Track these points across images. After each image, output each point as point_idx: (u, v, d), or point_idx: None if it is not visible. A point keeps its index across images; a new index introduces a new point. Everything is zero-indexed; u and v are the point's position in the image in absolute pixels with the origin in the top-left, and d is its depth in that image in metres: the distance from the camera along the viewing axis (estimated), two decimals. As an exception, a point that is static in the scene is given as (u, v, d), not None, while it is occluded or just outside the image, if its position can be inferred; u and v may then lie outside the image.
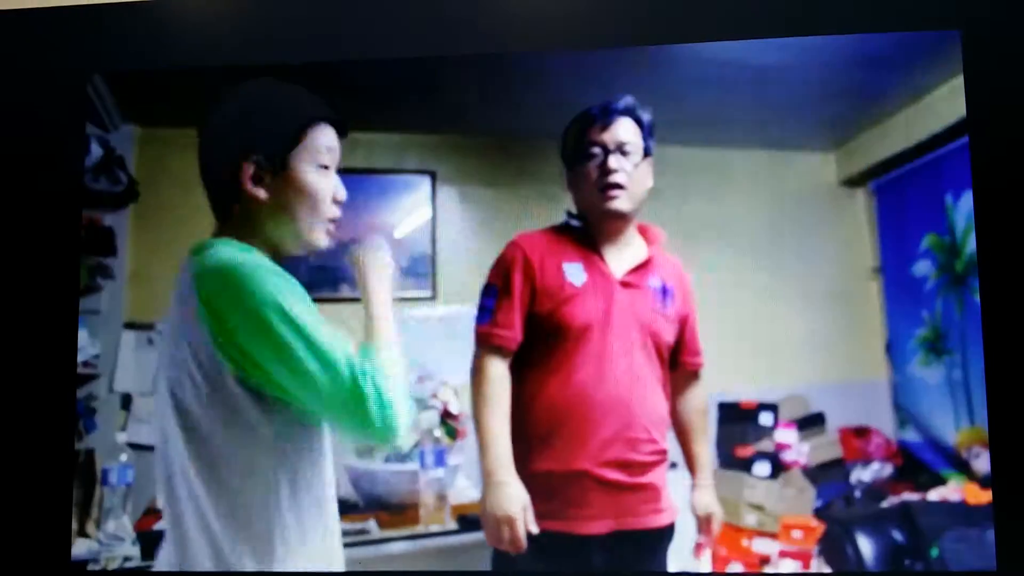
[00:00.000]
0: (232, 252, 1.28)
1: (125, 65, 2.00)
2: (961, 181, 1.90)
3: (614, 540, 1.69)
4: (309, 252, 1.38)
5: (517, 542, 1.63)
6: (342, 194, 1.40)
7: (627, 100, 1.77)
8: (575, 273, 1.72)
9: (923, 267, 2.16)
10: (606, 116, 1.75)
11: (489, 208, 1.98)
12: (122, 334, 2.06)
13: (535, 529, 1.64)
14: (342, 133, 1.41)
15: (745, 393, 2.26)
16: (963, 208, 2.00)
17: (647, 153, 1.78)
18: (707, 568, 2.05)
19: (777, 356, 2.18)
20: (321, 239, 1.37)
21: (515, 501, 1.64)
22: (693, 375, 1.87)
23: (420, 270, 2.22)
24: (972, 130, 1.87)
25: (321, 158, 1.36)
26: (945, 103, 1.98)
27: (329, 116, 1.39)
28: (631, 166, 1.74)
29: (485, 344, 1.71)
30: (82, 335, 1.95)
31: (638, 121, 1.78)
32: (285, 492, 1.33)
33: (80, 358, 1.95)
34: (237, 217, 1.34)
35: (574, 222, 1.79)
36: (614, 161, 1.73)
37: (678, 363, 1.83)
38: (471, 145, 2.18)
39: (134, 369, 2.06)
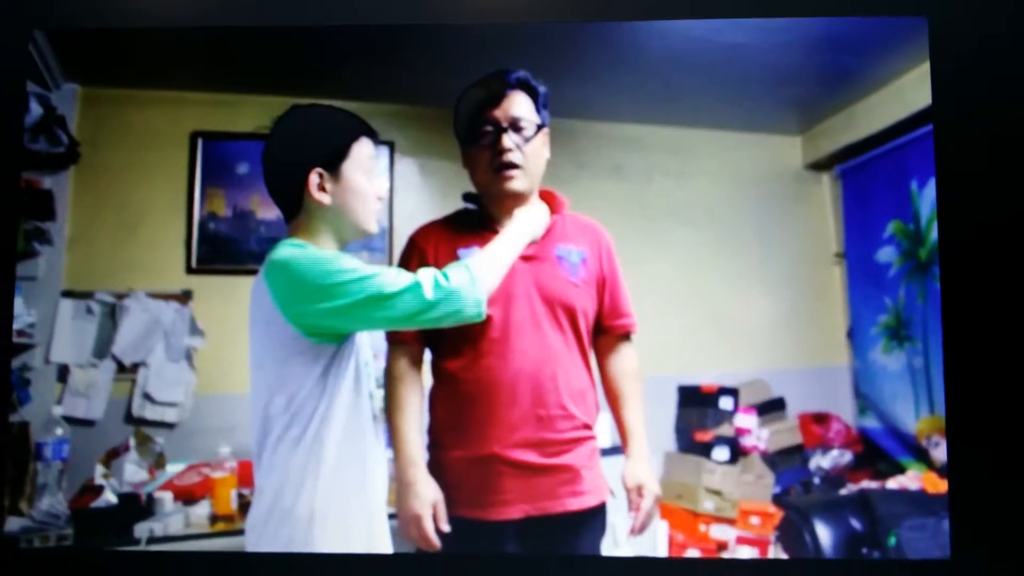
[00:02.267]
0: (290, 250, 1.52)
1: (69, 22, 1.93)
2: (927, 168, 1.89)
3: (530, 525, 1.62)
4: (364, 238, 1.62)
5: (427, 540, 1.58)
6: (383, 191, 1.63)
7: (519, 72, 1.71)
8: (470, 257, 1.68)
9: (887, 253, 2.15)
10: (497, 91, 1.69)
11: (448, 181, 1.93)
12: (60, 302, 2.01)
13: (446, 527, 1.60)
14: (377, 142, 1.65)
15: (706, 377, 2.25)
16: (928, 195, 2.00)
17: (542, 125, 1.72)
18: (664, 552, 2.04)
19: (738, 340, 2.17)
20: (373, 227, 1.60)
21: (421, 500, 1.59)
22: (623, 338, 1.77)
23: (376, 244, 2.18)
24: (937, 117, 1.86)
25: (365, 165, 1.59)
26: (913, 89, 1.97)
27: (367, 130, 1.61)
28: (524, 141, 1.69)
29: (388, 341, 1.68)
30: (17, 303, 1.88)
31: (532, 93, 1.71)
32: (291, 434, 1.52)
33: (15, 326, 1.89)
34: (302, 218, 1.57)
35: (470, 206, 1.74)
36: (507, 140, 1.66)
37: (604, 328, 1.75)
38: (431, 116, 2.14)
39: (72, 339, 2.01)
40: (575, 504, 1.65)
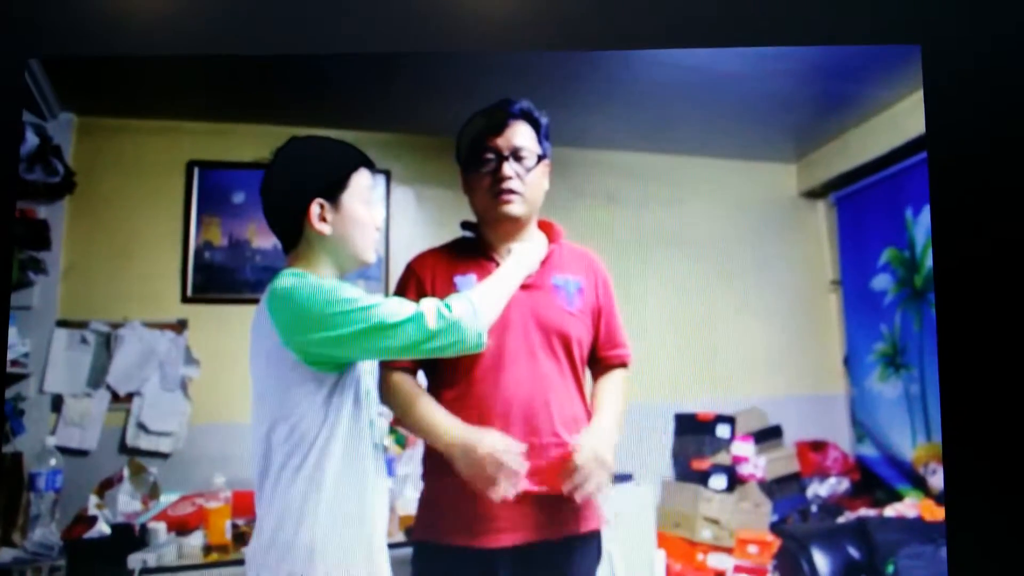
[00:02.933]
0: (292, 280, 1.52)
1: (65, 51, 1.93)
2: (922, 195, 1.90)
3: (523, 552, 1.61)
4: (362, 267, 1.64)
5: (509, 473, 1.55)
6: (380, 221, 1.66)
7: (522, 103, 1.73)
8: (467, 284, 1.68)
9: (882, 281, 2.15)
10: (500, 120, 1.71)
11: (444, 209, 1.94)
12: (54, 332, 2.00)
13: (519, 447, 1.57)
14: (374, 172, 1.67)
15: (702, 404, 2.24)
16: (923, 222, 2.00)
17: (543, 156, 1.73)
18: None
19: (734, 368, 2.16)
20: (371, 256, 1.62)
21: (485, 442, 1.56)
22: (619, 368, 1.76)
23: (372, 272, 2.17)
24: (931, 145, 1.87)
25: (364, 195, 1.61)
26: (907, 117, 1.98)
27: (365, 161, 1.63)
28: (525, 171, 1.70)
29: (382, 367, 1.67)
30: (12, 332, 1.88)
31: (534, 124, 1.73)
32: (292, 463, 1.53)
33: (9, 356, 1.88)
34: (302, 248, 1.59)
35: (468, 233, 1.75)
36: (508, 168, 1.68)
37: (598, 358, 1.75)
38: (427, 144, 2.14)
39: (66, 369, 2.00)
40: (569, 531, 1.64)
